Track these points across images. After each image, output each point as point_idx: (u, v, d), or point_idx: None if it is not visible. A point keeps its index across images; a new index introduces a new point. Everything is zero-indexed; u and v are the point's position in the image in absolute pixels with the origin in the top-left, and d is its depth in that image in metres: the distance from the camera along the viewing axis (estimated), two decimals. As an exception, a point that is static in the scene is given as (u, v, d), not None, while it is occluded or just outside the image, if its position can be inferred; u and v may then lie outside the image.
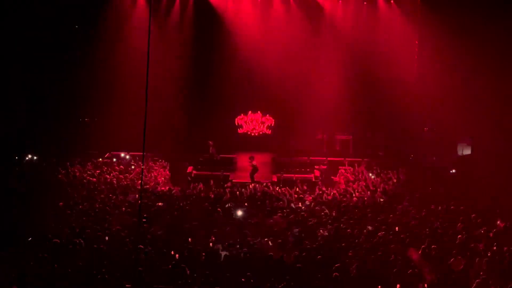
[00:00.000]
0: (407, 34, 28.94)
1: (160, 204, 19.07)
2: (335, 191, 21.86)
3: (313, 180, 25.60)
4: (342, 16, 29.78)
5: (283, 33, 29.40)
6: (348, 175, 24.71)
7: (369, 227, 16.59)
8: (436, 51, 27.45)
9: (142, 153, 13.81)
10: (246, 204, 19.63)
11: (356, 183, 23.32)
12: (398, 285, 12.98)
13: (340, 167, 25.99)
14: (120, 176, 23.05)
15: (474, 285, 12.59)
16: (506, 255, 14.19)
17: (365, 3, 29.68)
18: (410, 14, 28.88)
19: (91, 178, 22.23)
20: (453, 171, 25.54)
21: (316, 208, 19.31)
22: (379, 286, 12.84)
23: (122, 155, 26.70)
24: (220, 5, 29.60)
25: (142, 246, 13.99)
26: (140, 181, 20.58)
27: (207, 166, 26.86)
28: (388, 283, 12.98)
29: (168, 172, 25.25)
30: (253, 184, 23.49)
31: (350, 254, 14.31)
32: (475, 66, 25.74)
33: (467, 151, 28.08)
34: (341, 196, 21.11)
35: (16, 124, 25.47)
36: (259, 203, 19.86)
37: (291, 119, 28.87)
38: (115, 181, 22.15)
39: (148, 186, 21.96)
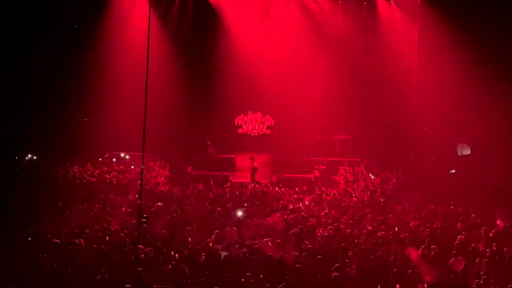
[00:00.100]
0: (407, 35, 28.95)
1: (159, 204, 19.07)
2: (334, 191, 21.86)
3: (313, 180, 25.60)
4: (342, 16, 29.77)
5: (283, 33, 29.40)
6: (348, 175, 24.71)
7: (369, 227, 16.59)
8: (436, 52, 27.45)
9: (141, 153, 13.80)
10: (245, 204, 19.61)
11: (356, 183, 23.32)
12: (397, 285, 12.99)
13: (340, 167, 25.98)
14: (120, 176, 23.04)
15: (474, 285, 12.59)
16: (506, 255, 14.20)
17: (364, 3, 29.68)
18: (410, 14, 28.88)
19: (90, 178, 22.22)
20: (453, 171, 25.54)
21: (316, 208, 19.33)
22: (379, 286, 12.84)
23: (122, 155, 26.68)
24: (220, 5, 29.59)
25: (141, 246, 13.98)
26: (139, 181, 20.55)
27: (206, 166, 26.85)
28: (387, 283, 12.98)
29: (167, 172, 25.23)
30: (252, 184, 23.48)
31: (350, 254, 14.31)
32: (475, 66, 25.73)
33: (467, 151, 28.08)
34: (341, 196, 21.12)
35: (16, 124, 25.43)
36: (257, 203, 19.85)
37: (291, 119, 28.84)
38: (114, 181, 22.14)
39: (147, 186, 21.95)
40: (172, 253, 14.58)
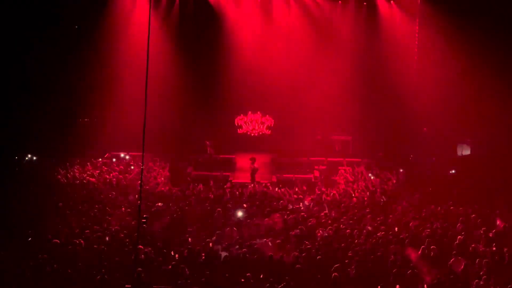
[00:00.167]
0: (407, 35, 28.96)
1: (159, 204, 19.07)
2: (334, 192, 21.86)
3: (313, 180, 25.60)
4: (341, 17, 29.78)
5: (283, 34, 29.43)
6: (348, 175, 24.71)
7: (369, 228, 16.59)
8: (436, 52, 27.45)
9: (141, 153, 13.79)
10: (244, 205, 19.61)
11: (356, 183, 23.32)
12: (397, 286, 12.99)
13: (339, 167, 25.98)
14: (120, 176, 23.04)
15: (474, 285, 12.59)
16: (506, 256, 14.20)
17: (364, 3, 29.69)
18: (410, 15, 28.89)
19: (90, 178, 22.23)
20: (453, 171, 25.54)
21: (315, 208, 19.32)
22: (379, 287, 12.85)
23: (122, 155, 26.69)
24: (220, 5, 29.60)
25: (141, 247, 13.99)
26: (139, 182, 20.55)
27: (206, 166, 26.85)
28: (387, 284, 12.98)
29: (167, 172, 25.22)
30: (252, 185, 23.48)
31: (349, 254, 14.31)
32: (475, 66, 25.73)
33: (467, 152, 28.09)
34: (341, 197, 21.11)
35: (16, 125, 25.44)
36: (257, 203, 19.85)
37: (290, 120, 28.85)
38: (114, 181, 22.15)
39: (147, 186, 21.95)
40: (172, 253, 14.58)
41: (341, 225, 16.81)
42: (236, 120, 29.64)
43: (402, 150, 28.02)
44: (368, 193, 21.66)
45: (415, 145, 28.00)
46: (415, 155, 27.93)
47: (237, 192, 21.40)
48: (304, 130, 28.31)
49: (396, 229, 16.77)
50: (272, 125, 29.61)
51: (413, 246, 14.94)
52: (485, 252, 14.56)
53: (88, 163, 24.61)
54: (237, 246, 14.96)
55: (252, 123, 29.66)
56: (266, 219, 17.70)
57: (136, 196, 19.42)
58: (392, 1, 29.43)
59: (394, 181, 23.52)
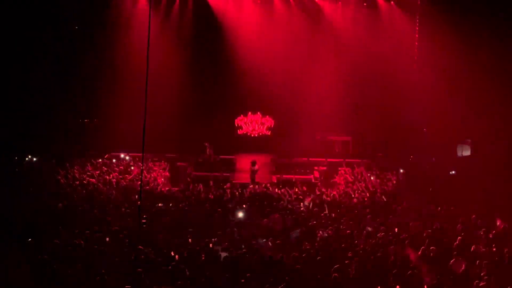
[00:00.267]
0: (407, 35, 28.96)
1: (160, 205, 19.07)
2: (334, 192, 21.86)
3: (313, 181, 25.61)
4: (341, 17, 29.80)
5: (283, 34, 29.42)
6: (348, 176, 24.71)
7: (369, 228, 16.59)
8: (436, 52, 27.44)
9: (141, 154, 13.81)
10: (244, 205, 19.60)
11: (356, 184, 23.32)
12: (397, 286, 12.98)
13: (339, 168, 25.99)
14: (120, 177, 23.05)
15: (474, 286, 12.58)
16: (506, 256, 14.19)
17: (364, 4, 29.71)
18: (410, 14, 28.90)
19: (90, 179, 22.23)
20: (453, 172, 25.54)
21: (315, 209, 19.33)
22: (378, 287, 12.84)
23: (122, 156, 26.69)
24: (219, 6, 29.62)
25: (141, 247, 13.99)
26: (139, 182, 20.58)
27: (206, 167, 26.87)
28: (387, 284, 12.98)
29: (167, 173, 25.24)
30: (252, 185, 23.48)
31: (349, 255, 14.31)
32: (475, 66, 25.71)
33: (467, 152, 28.08)
34: (341, 197, 21.11)
35: (16, 125, 25.44)
36: (257, 203, 19.86)
37: (290, 120, 28.86)
38: (114, 182, 22.16)
39: (148, 187, 21.96)
40: (172, 254, 14.58)
41: (341, 226, 16.81)
42: (236, 121, 29.67)
43: (402, 150, 28.02)
44: (368, 193, 21.66)
45: (415, 145, 28.00)
46: (415, 156, 27.93)
47: (237, 193, 21.40)
48: (304, 131, 28.31)
49: (396, 229, 16.77)
50: (272, 126, 29.64)
51: (413, 246, 14.93)
52: (485, 253, 14.54)
53: (88, 164, 24.62)
54: (237, 247, 14.96)
55: (252, 124, 29.69)
56: (266, 219, 17.71)
57: (137, 196, 19.43)
58: (392, 2, 29.44)
59: (394, 182, 23.53)
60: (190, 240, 15.72)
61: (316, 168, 26.73)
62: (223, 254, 14.56)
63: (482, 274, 13.12)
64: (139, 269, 12.76)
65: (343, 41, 29.29)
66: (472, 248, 14.72)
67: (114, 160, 26.07)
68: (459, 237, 15.40)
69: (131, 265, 12.92)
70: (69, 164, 24.10)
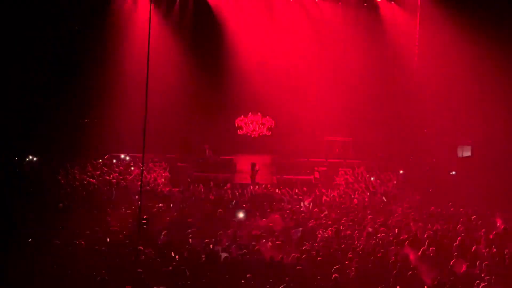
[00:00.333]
0: (407, 36, 28.96)
1: (160, 205, 19.07)
2: (335, 193, 21.85)
3: (313, 181, 25.59)
4: (342, 18, 29.80)
5: (283, 35, 29.44)
6: (348, 176, 24.70)
7: (369, 229, 16.58)
8: (436, 53, 27.45)
9: (142, 154, 13.81)
10: (244, 205, 19.60)
11: (356, 184, 23.30)
12: (398, 287, 12.96)
13: (340, 168, 25.98)
14: (120, 177, 23.04)
15: (474, 287, 12.57)
16: (506, 257, 14.18)
17: (365, 4, 29.71)
18: (410, 15, 28.90)
19: (91, 179, 22.22)
20: (453, 172, 25.53)
21: (315, 209, 19.31)
22: (379, 288, 12.83)
23: (122, 156, 26.69)
24: (220, 6, 29.62)
25: (141, 248, 13.97)
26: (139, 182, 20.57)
27: (206, 168, 26.88)
28: (388, 285, 12.96)
29: (167, 173, 25.23)
30: (252, 186, 23.47)
31: (350, 255, 14.29)
32: (476, 67, 25.72)
33: (467, 153, 28.07)
34: (341, 198, 21.10)
35: (16, 125, 25.44)
36: (258, 204, 19.85)
37: (291, 121, 28.85)
38: (115, 182, 22.15)
39: (148, 187, 21.95)
40: (173, 254, 14.56)
41: (341, 226, 16.79)
42: (236, 121, 29.65)
43: (403, 151, 28.01)
44: (368, 194, 21.65)
45: (416, 146, 28.00)
46: (415, 156, 27.92)
47: (237, 193, 21.39)
48: (304, 131, 28.32)
49: (396, 230, 16.75)
50: (273, 126, 29.61)
51: (414, 247, 14.91)
52: (485, 254, 14.53)
53: (88, 164, 24.61)
54: (238, 247, 14.94)
55: (252, 124, 29.67)
56: (266, 220, 17.70)
57: (137, 196, 19.42)
58: (392, 2, 29.45)
59: (395, 182, 23.52)
60: (190, 240, 15.70)
61: (316, 168, 26.72)
62: (223, 255, 14.54)
63: (482, 274, 13.10)
64: (140, 270, 12.75)
65: (343, 42, 29.28)
66: (472, 249, 14.70)
67: (114, 161, 26.06)
68: (459, 238, 15.39)
69: (131, 266, 12.90)
70: (69, 164, 24.10)
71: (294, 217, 18.10)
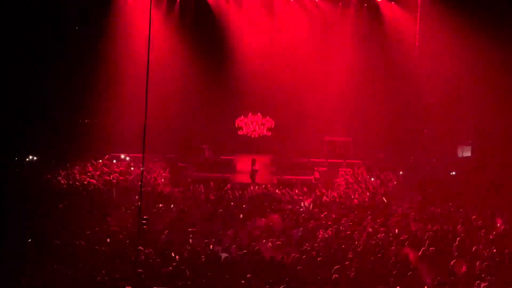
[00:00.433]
0: (408, 36, 28.98)
1: (160, 205, 19.07)
2: (335, 193, 21.85)
3: (313, 182, 25.59)
4: (342, 18, 29.83)
5: (283, 35, 29.47)
6: (348, 177, 24.71)
7: (369, 229, 16.57)
8: (437, 53, 27.46)
9: (142, 155, 13.79)
10: (244, 205, 19.60)
11: (356, 185, 23.30)
12: (397, 287, 12.95)
13: (340, 169, 25.99)
14: (120, 177, 23.05)
15: (475, 287, 12.57)
16: (506, 257, 14.18)
17: (365, 4, 29.73)
18: (410, 15, 28.92)
19: (91, 180, 22.23)
20: (453, 173, 25.53)
21: (316, 210, 19.31)
22: (379, 288, 12.83)
23: (122, 156, 26.70)
24: (221, 7, 29.64)
25: (141, 248, 13.97)
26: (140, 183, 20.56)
27: (206, 168, 26.90)
28: (388, 285, 12.96)
29: (168, 173, 25.24)
30: (252, 186, 23.48)
31: (350, 256, 14.29)
32: (476, 67, 25.73)
33: (467, 153, 28.07)
34: (341, 198, 21.10)
35: (16, 125, 25.44)
36: (258, 204, 19.85)
37: (291, 121, 28.88)
38: (114, 182, 22.16)
39: (149, 187, 21.96)
40: (173, 254, 14.56)
41: (341, 227, 16.79)
42: (236, 122, 29.68)
43: (403, 151, 28.02)
44: (367, 194, 21.65)
45: (416, 146, 28.00)
46: (415, 157, 27.93)
47: (237, 193, 21.40)
48: (304, 132, 28.33)
49: (396, 230, 16.75)
50: (273, 127, 29.63)
51: (414, 247, 14.91)
52: (485, 254, 14.52)
53: (89, 164, 24.61)
54: (238, 247, 14.94)
55: (252, 125, 29.69)
56: (267, 220, 17.70)
57: (137, 197, 19.42)
58: (392, 2, 29.47)
59: (395, 183, 23.51)
60: (190, 240, 15.71)
61: (316, 169, 26.73)
62: (223, 255, 14.54)
63: (483, 275, 13.09)
64: (140, 270, 12.75)
65: (343, 42, 29.30)
66: (472, 249, 14.70)
67: (114, 161, 26.07)
68: (459, 238, 15.38)
69: (131, 266, 12.90)
70: (70, 164, 24.10)
71: (294, 217, 18.09)
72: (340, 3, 29.93)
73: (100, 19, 28.09)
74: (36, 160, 25.52)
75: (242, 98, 29.19)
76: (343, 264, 13.64)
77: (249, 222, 17.71)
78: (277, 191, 22.26)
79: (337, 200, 20.88)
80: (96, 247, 14.28)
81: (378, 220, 17.55)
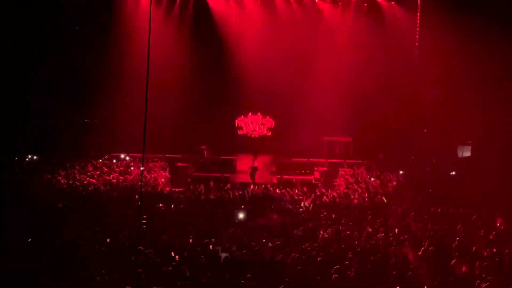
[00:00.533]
0: (408, 36, 28.98)
1: (160, 205, 19.07)
2: (334, 193, 21.85)
3: (313, 182, 25.60)
4: (342, 18, 29.83)
5: (283, 35, 29.47)
6: (348, 177, 24.71)
7: (369, 229, 16.58)
8: (437, 53, 27.45)
9: (142, 154, 13.78)
10: (242, 206, 19.59)
11: (356, 185, 23.30)
12: (397, 287, 12.96)
13: (340, 169, 25.99)
14: (120, 177, 23.05)
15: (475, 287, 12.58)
16: (506, 257, 14.18)
17: (365, 4, 29.73)
18: (410, 15, 28.93)
19: (91, 179, 22.23)
20: (453, 173, 25.53)
21: (316, 210, 19.32)
22: (379, 288, 12.84)
23: (122, 156, 26.71)
24: (220, 7, 29.64)
25: (141, 248, 13.98)
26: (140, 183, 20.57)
27: (206, 167, 26.92)
28: (387, 285, 12.96)
29: (167, 173, 25.24)
30: (252, 186, 23.48)
31: (349, 256, 14.29)
32: (476, 67, 25.72)
33: (467, 153, 28.07)
34: (341, 198, 21.10)
35: (16, 125, 25.45)
36: (258, 204, 19.85)
37: (291, 121, 28.86)
38: (114, 182, 22.16)
39: (149, 188, 21.96)
40: (172, 254, 14.56)
41: (341, 227, 16.79)
42: (236, 122, 29.67)
43: (403, 151, 28.02)
44: (366, 194, 21.64)
45: (416, 146, 28.00)
46: (415, 157, 27.92)
47: (237, 193, 21.40)
48: (304, 131, 28.32)
49: (396, 230, 16.75)
50: (273, 127, 29.63)
51: (414, 247, 14.91)
52: (485, 254, 14.52)
53: (88, 164, 24.61)
54: (237, 247, 14.95)
55: (252, 125, 29.69)
56: (266, 220, 17.70)
57: (137, 196, 19.42)
58: (392, 2, 29.47)
59: (395, 183, 23.51)
60: (190, 240, 15.71)
61: (316, 168, 26.73)
62: (223, 255, 14.54)
63: (483, 275, 13.09)
64: (139, 270, 12.75)
65: (344, 42, 29.30)
66: (472, 249, 14.70)
67: (114, 161, 26.08)
68: (457, 238, 15.38)
69: (131, 266, 12.90)
70: (69, 164, 24.11)
71: (294, 217, 18.09)
72: (340, 3, 29.94)
73: (100, 19, 28.08)
74: (36, 160, 25.50)
75: (242, 98, 29.19)
76: (343, 264, 13.64)
77: (250, 222, 17.71)
78: (277, 191, 22.26)
79: (337, 200, 20.88)
80: (96, 247, 14.29)
81: (378, 220, 17.56)
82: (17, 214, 17.04)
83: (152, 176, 24.00)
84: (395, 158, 27.29)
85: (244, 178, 25.61)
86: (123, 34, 28.31)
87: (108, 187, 21.51)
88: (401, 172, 24.92)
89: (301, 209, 19.68)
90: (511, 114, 25.28)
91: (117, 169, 24.39)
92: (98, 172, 23.62)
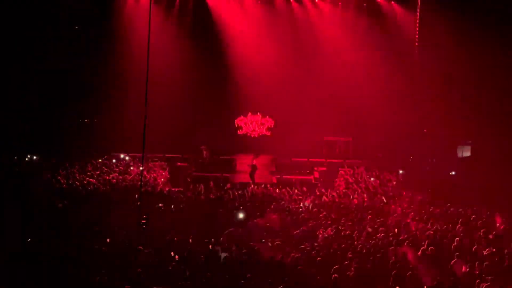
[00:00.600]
0: (407, 36, 28.98)
1: (160, 205, 19.06)
2: (334, 193, 21.86)
3: (313, 181, 25.60)
4: (342, 19, 29.82)
5: (283, 35, 29.47)
6: (348, 177, 24.71)
7: (369, 229, 16.58)
8: (436, 53, 27.46)
9: (141, 154, 13.80)
10: (241, 206, 19.58)
11: (356, 185, 23.31)
12: (397, 287, 12.96)
13: (340, 169, 26.00)
14: (120, 177, 23.05)
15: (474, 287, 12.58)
16: (505, 257, 14.18)
17: (364, 5, 29.73)
18: (410, 15, 28.93)
19: (90, 179, 22.23)
20: (453, 173, 25.53)
21: (315, 210, 19.32)
22: (378, 288, 12.84)
23: (122, 156, 26.70)
24: (219, 7, 29.64)
25: (141, 248, 13.98)
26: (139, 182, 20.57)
27: (206, 167, 26.92)
28: (387, 285, 12.96)
29: (167, 173, 25.24)
30: (252, 186, 23.49)
31: (349, 255, 14.29)
32: (475, 67, 25.72)
33: (467, 153, 28.08)
34: (340, 198, 21.11)
35: (16, 125, 25.44)
36: (257, 204, 19.85)
37: (291, 121, 28.86)
38: (114, 182, 22.16)
39: (149, 188, 21.96)
40: (172, 254, 14.56)
41: (341, 227, 16.79)
42: (236, 121, 29.67)
43: (402, 151, 28.02)
44: (366, 194, 21.65)
45: (415, 146, 28.00)
46: (415, 157, 27.93)
47: (237, 193, 21.41)
48: (304, 132, 28.32)
49: (396, 230, 16.75)
50: (272, 126, 29.62)
51: (413, 247, 14.91)
52: (485, 254, 14.52)
53: (88, 164, 24.61)
54: (237, 247, 14.94)
55: (252, 124, 29.69)
56: (266, 220, 17.70)
57: (137, 196, 19.42)
58: (392, 2, 29.48)
59: (394, 183, 23.51)
60: (190, 240, 15.71)
61: (316, 168, 26.73)
62: (223, 255, 14.54)
63: (483, 275, 13.09)
64: (139, 270, 12.75)
65: (343, 42, 29.29)
66: (472, 249, 14.70)
67: (114, 161, 26.07)
68: (456, 238, 15.38)
69: (131, 266, 12.90)
70: (69, 164, 24.10)
71: (294, 217, 18.09)
72: (340, 3, 29.93)
73: (100, 19, 28.08)
74: (36, 159, 25.49)
75: (242, 98, 29.18)
76: (343, 264, 13.64)
77: (249, 222, 17.71)
78: (277, 190, 22.26)
79: (337, 200, 20.88)
80: (96, 247, 14.29)
81: (378, 220, 17.56)
82: (17, 214, 17.04)
83: (152, 176, 24.00)
84: (395, 158, 27.29)
85: (244, 178, 25.61)
86: (123, 34, 28.30)
87: (107, 187, 21.51)
88: (400, 172, 24.92)
89: (300, 209, 19.68)
90: (511, 114, 25.29)
91: (117, 169, 24.39)
92: (97, 172, 23.62)
